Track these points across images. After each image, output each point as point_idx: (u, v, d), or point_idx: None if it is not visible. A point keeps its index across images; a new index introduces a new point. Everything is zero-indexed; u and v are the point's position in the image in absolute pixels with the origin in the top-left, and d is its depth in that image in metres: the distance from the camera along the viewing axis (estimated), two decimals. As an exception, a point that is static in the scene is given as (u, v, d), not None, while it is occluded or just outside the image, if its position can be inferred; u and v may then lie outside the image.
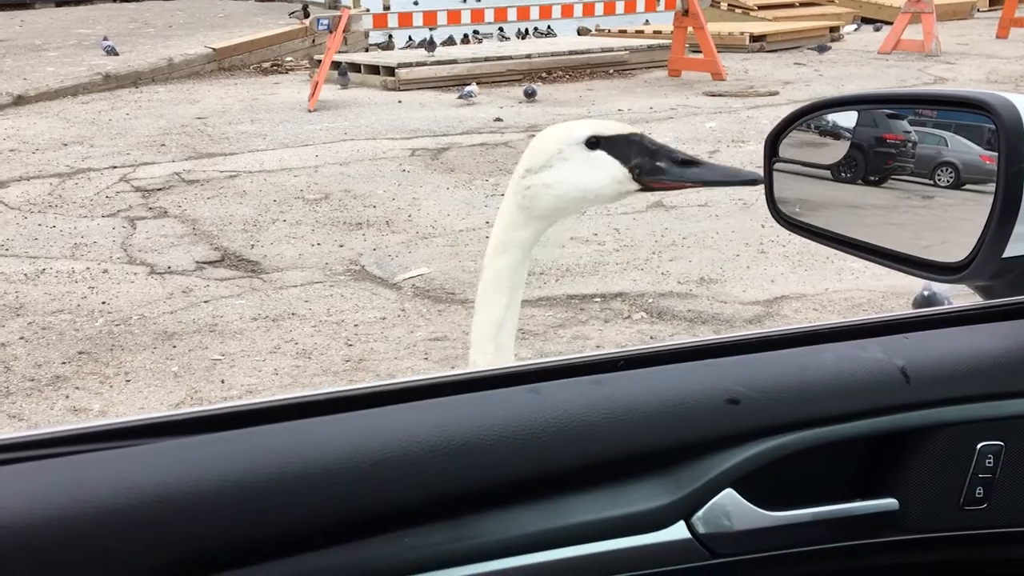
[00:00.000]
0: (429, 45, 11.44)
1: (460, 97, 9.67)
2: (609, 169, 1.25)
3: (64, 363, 3.98)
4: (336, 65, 10.49)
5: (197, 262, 5.18)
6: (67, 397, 3.70)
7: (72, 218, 5.95)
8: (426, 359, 3.98)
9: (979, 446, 0.85)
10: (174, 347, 4.13)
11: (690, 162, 1.24)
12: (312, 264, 5.13)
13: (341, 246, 5.41)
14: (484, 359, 1.33)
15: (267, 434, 0.71)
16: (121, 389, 3.76)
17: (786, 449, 0.80)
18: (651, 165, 1.24)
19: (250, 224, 5.80)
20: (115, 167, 7.16)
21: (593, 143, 1.25)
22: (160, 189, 6.57)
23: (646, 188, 1.27)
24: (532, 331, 4.21)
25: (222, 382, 3.80)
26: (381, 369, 3.90)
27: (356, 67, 11.06)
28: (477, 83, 10.13)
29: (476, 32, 15.99)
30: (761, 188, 1.15)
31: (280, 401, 0.74)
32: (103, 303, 4.62)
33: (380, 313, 4.47)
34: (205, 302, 4.62)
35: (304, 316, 4.44)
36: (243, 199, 6.33)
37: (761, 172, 1.15)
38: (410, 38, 16.49)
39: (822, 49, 13.03)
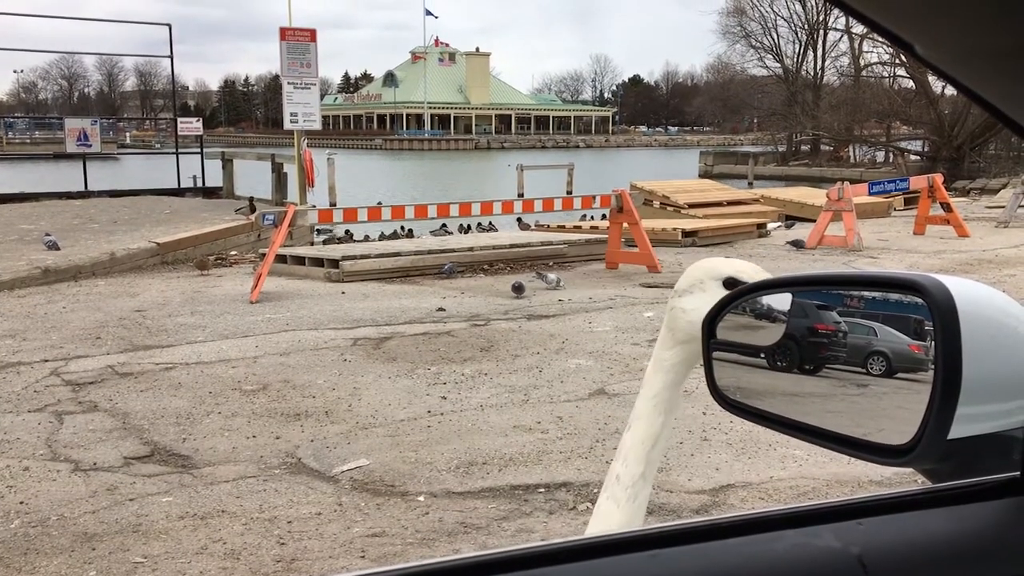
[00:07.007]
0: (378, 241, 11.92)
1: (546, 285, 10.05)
2: None
3: (-30, 569, 3.70)
4: (301, 261, 11.12)
5: (125, 458, 4.96)
6: (-31, 608, 3.41)
7: (-5, 413, 5.72)
8: (363, 557, 3.78)
9: None
10: (93, 549, 3.87)
11: None
12: (246, 457, 4.95)
13: (277, 438, 5.26)
14: (628, 473, 1.28)
15: None
16: (30, 597, 3.48)
17: None
18: None
19: (183, 417, 5.63)
20: (46, 361, 6.98)
21: (730, 283, 1.29)
22: (92, 383, 6.39)
23: None
24: (474, 524, 4.06)
25: (142, 587, 3.55)
26: (314, 569, 3.69)
27: (300, 260, 11.21)
28: (421, 275, 10.33)
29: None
30: (702, 374, 1.13)
31: None
32: (21, 503, 4.36)
33: (316, 508, 4.28)
34: (130, 500, 4.39)
35: (235, 513, 4.23)
36: (178, 391, 6.17)
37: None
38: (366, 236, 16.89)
39: (797, 244, 13.67)
